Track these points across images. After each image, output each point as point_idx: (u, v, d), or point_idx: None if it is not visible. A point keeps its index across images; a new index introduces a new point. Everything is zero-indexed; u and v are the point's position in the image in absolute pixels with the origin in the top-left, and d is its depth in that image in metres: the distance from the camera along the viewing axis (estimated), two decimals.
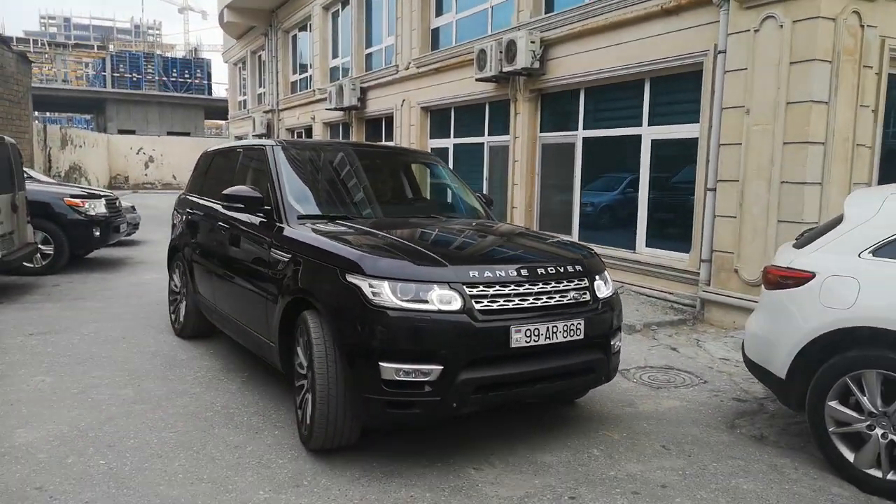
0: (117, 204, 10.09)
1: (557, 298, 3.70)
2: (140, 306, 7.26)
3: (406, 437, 3.95)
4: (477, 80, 10.47)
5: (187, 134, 44.91)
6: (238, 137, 26.43)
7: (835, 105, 6.00)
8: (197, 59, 52.60)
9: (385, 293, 3.38)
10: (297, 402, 3.89)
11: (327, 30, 18.04)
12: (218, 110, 51.20)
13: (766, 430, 4.27)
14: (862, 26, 6.03)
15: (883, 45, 6.27)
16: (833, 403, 3.59)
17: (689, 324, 6.99)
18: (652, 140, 8.08)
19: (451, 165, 12.33)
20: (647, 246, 8.23)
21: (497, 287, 3.52)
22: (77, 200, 9.13)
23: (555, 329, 3.59)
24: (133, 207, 12.31)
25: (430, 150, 12.95)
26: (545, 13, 9.75)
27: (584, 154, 9.22)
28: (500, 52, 9.82)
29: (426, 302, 3.38)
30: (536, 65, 9.39)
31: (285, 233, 4.23)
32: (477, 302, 3.45)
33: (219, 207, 5.19)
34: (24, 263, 8.05)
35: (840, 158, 6.13)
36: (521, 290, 3.59)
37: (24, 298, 7.54)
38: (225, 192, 4.56)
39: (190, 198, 6.25)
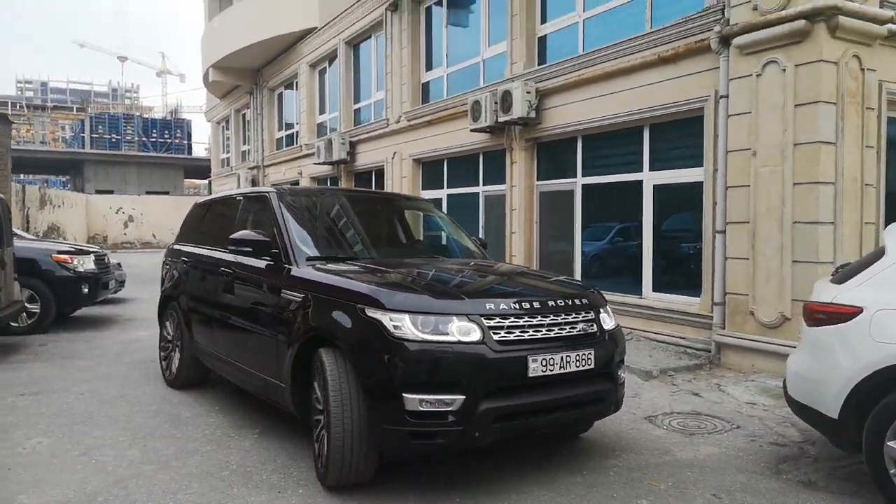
0: (106, 260, 9.81)
1: (568, 330, 3.85)
2: (134, 364, 6.92)
3: (427, 490, 3.70)
4: (471, 130, 10.51)
5: (166, 193, 44.63)
6: None
7: (842, 146, 6.06)
8: (177, 120, 52.93)
9: (406, 326, 3.48)
10: (315, 437, 3.85)
11: (314, 86, 18.21)
12: (197, 169, 51.23)
13: (812, 476, 4.09)
14: (862, 69, 6.16)
15: (881, 88, 6.39)
16: (893, 443, 3.43)
17: (705, 368, 6.84)
18: (654, 185, 8.09)
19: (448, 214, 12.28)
20: (654, 290, 8.14)
21: (512, 319, 3.65)
22: (65, 256, 8.84)
23: (568, 359, 3.72)
24: (119, 264, 11.98)
25: None
26: (538, 65, 9.90)
27: (584, 201, 9.22)
28: (496, 102, 9.90)
29: (446, 334, 3.49)
30: (532, 114, 9.47)
31: (295, 273, 4.28)
32: (494, 333, 3.57)
33: (219, 255, 5.27)
34: (10, 323, 7.68)
35: (850, 198, 6.16)
36: (535, 321, 3.73)
37: (11, 358, 7.16)
38: (232, 236, 4.62)
39: (183, 248, 6.23)
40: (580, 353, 3.78)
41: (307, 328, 3.96)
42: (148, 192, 42.40)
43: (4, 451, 4.28)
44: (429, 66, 13.07)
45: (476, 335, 3.52)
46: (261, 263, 4.65)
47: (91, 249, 9.58)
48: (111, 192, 41.60)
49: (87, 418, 5.02)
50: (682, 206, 7.91)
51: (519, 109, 9.40)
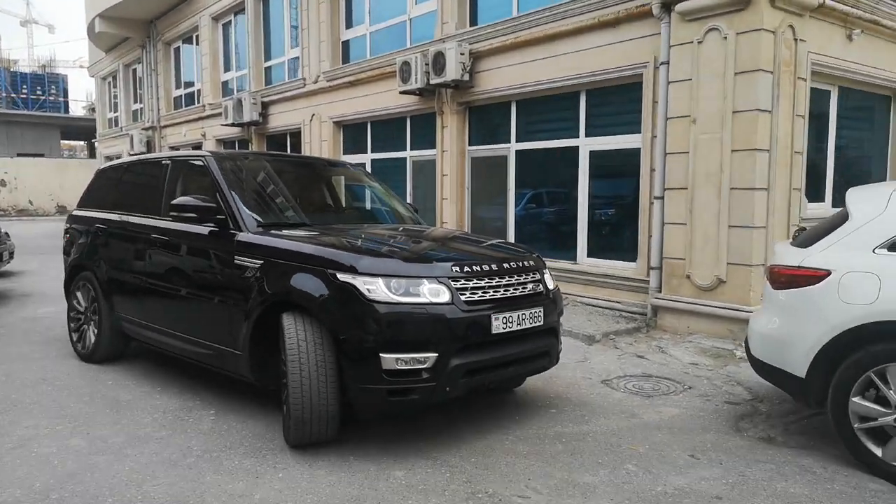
0: (1, 231, 8.81)
1: (521, 290, 4.14)
2: (48, 343, 6.29)
3: (423, 464, 3.58)
4: (400, 92, 10.20)
5: (41, 155, 40.91)
6: (108, 157, 24.38)
7: (777, 114, 6.32)
8: (51, 75, 48.30)
9: (380, 289, 3.65)
10: (283, 399, 3.85)
11: (217, 41, 17.07)
12: (75, 129, 47.27)
13: (770, 432, 4.28)
14: (795, 40, 6.42)
15: (807, 59, 6.70)
16: (857, 399, 3.63)
17: (643, 331, 7.06)
18: (590, 151, 8.18)
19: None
20: (588, 256, 8.29)
21: (475, 280, 3.89)
22: None
23: (523, 317, 4.03)
24: (7, 234, 10.84)
25: None
26: (470, 26, 9.69)
27: (518, 166, 9.20)
28: (426, 63, 9.63)
29: (417, 296, 3.68)
30: (466, 77, 9.29)
31: (249, 239, 4.28)
32: (461, 294, 3.79)
33: (148, 221, 5.16)
34: None
35: (782, 164, 6.46)
36: (494, 282, 3.99)
37: None
38: (174, 202, 4.56)
39: (94, 214, 5.97)
40: (532, 312, 4.10)
41: (271, 294, 4.00)
42: (20, 155, 38.67)
43: None
44: (349, 24, 12.53)
45: (445, 296, 3.73)
46: (202, 230, 4.56)
47: None
48: None
49: (11, 406, 4.49)
50: (618, 172, 8.05)
51: (452, 72, 9.19)
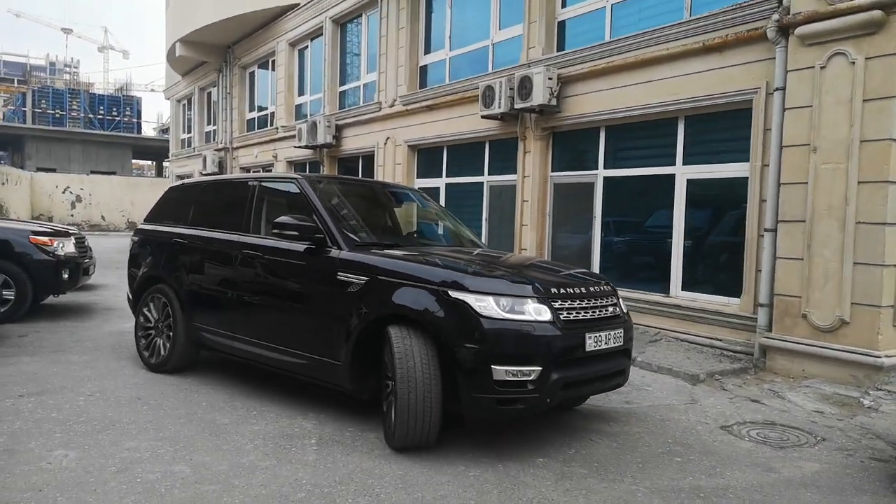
0: (86, 243, 8.93)
1: (605, 312, 4.44)
2: (136, 360, 6.19)
3: None
4: (482, 116, 10.01)
5: (113, 173, 42.52)
6: (180, 177, 25.04)
7: None
8: (126, 97, 50.49)
9: (491, 306, 3.95)
10: (384, 406, 4.24)
11: (293, 66, 17.35)
12: (147, 149, 49.11)
13: None
14: None
15: None
16: None
17: (750, 373, 6.56)
18: (688, 180, 7.78)
19: (443, 205, 11.81)
20: (683, 289, 7.84)
21: (570, 301, 4.21)
22: (44, 238, 7.96)
23: (609, 336, 4.34)
24: (90, 248, 11.03)
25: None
26: (557, 50, 9.47)
27: (606, 194, 8.86)
28: (511, 88, 9.44)
29: (523, 313, 3.98)
30: (553, 102, 9.04)
31: (351, 257, 4.54)
32: (560, 314, 4.10)
33: (237, 237, 5.38)
34: None
35: None
36: (586, 304, 4.31)
37: None
38: (278, 220, 4.79)
39: (167, 228, 6.18)
40: (615, 333, 4.41)
41: (380, 308, 4.26)
42: (93, 172, 40.28)
43: (28, 468, 3.60)
44: (428, 49, 12.49)
45: (547, 315, 4.02)
46: (298, 247, 4.80)
47: (71, 231, 8.69)
48: (53, 170, 39.37)
49: (109, 425, 4.35)
50: (719, 202, 7.63)
51: (539, 96, 8.95)
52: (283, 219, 4.76)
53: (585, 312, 4.26)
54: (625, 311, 4.71)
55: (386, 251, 4.66)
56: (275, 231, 4.82)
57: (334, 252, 4.62)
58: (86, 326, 7.81)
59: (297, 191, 5.18)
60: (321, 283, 4.64)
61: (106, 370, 5.80)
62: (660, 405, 5.50)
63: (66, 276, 8.05)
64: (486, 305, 3.93)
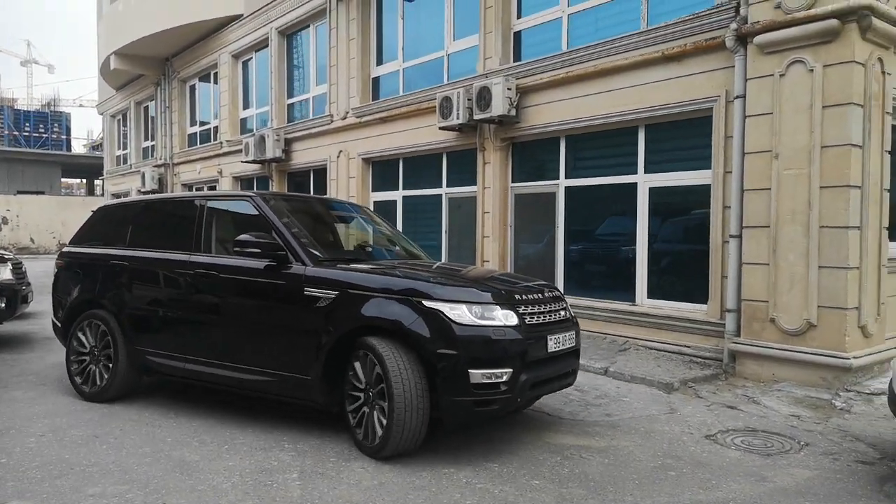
0: (23, 269, 8.34)
1: (559, 315, 4.71)
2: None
3: None
4: (440, 128, 9.89)
5: (41, 192, 40.53)
6: (116, 195, 24.02)
7: (868, 149, 6.01)
8: (54, 113, 48.37)
9: (464, 314, 4.13)
10: (352, 421, 4.36)
11: (237, 79, 16.86)
12: (77, 167, 47.14)
13: None
14: (884, 73, 6.14)
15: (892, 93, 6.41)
16: None
17: (722, 378, 6.60)
18: (650, 188, 7.83)
19: (400, 218, 11.63)
20: (649, 297, 7.87)
21: (532, 307, 4.46)
22: None
23: (564, 338, 4.65)
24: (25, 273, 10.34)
25: (372, 203, 12.16)
26: (514, 61, 9.44)
27: (568, 203, 8.85)
28: (469, 99, 9.35)
29: (493, 319, 4.19)
30: (513, 112, 8.99)
31: (317, 273, 4.59)
32: (525, 318, 4.33)
33: (187, 257, 5.25)
34: None
35: (874, 202, 6.11)
36: (545, 308, 4.58)
37: None
38: (239, 238, 4.75)
39: (100, 251, 5.93)
40: (569, 335, 4.71)
41: (353, 321, 4.34)
42: (20, 192, 38.26)
43: None
44: (380, 60, 12.31)
45: (514, 320, 4.24)
46: (257, 264, 4.80)
47: (6, 256, 8.09)
48: None
49: (67, 469, 3.98)
50: (682, 209, 7.70)
51: (499, 107, 8.89)
52: (243, 237, 4.73)
53: (545, 316, 4.52)
54: (572, 314, 5.01)
55: (352, 265, 4.82)
56: (236, 249, 4.77)
57: (297, 268, 4.66)
58: (26, 359, 7.25)
59: (253, 209, 5.17)
60: (286, 299, 4.68)
61: (55, 407, 5.36)
62: (640, 416, 5.44)
63: (4, 305, 7.49)
64: (459, 313, 4.11)
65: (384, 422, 4.11)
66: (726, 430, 5.09)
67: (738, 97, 6.65)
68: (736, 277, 6.71)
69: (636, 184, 7.96)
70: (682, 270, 7.69)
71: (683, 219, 7.74)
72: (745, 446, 4.70)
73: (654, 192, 7.82)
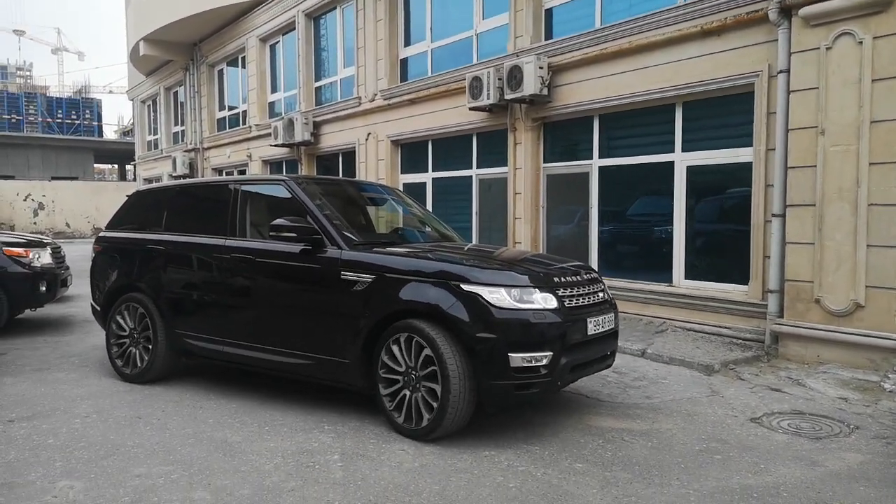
0: (62, 253, 8.47)
1: (598, 297, 4.70)
2: None
3: None
4: (470, 108, 9.78)
5: (75, 178, 41.29)
6: (148, 180, 24.35)
7: None
8: (86, 100, 49.01)
9: (503, 297, 4.11)
10: (388, 405, 4.33)
11: (265, 62, 16.88)
12: (109, 153, 47.79)
13: None
14: None
15: None
16: None
17: (764, 360, 6.46)
18: (688, 167, 7.65)
19: (430, 200, 11.57)
20: (686, 278, 7.73)
21: (571, 289, 4.42)
22: (19, 250, 7.52)
23: (605, 320, 4.61)
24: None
25: (402, 186, 12.10)
26: (545, 39, 9.27)
27: (602, 184, 8.69)
28: (500, 79, 9.22)
29: (532, 302, 4.15)
30: (545, 91, 8.84)
31: (354, 257, 4.58)
32: (565, 301, 4.30)
33: (223, 241, 5.26)
34: None
35: None
36: (584, 290, 4.54)
37: None
38: (274, 223, 4.74)
39: (136, 235, 5.96)
40: (608, 317, 4.68)
41: (393, 304, 4.32)
42: (54, 178, 39.05)
43: (32, 503, 3.28)
44: (408, 41, 12.19)
45: (553, 303, 4.21)
46: (293, 248, 4.78)
47: (46, 241, 8.23)
48: (12, 177, 38.03)
49: (112, 450, 4.03)
50: (722, 188, 7.52)
51: (530, 86, 8.74)
52: (278, 221, 4.72)
53: (584, 299, 4.49)
54: (611, 296, 4.99)
55: (388, 249, 4.76)
56: (271, 233, 4.78)
57: (333, 252, 4.65)
58: (67, 341, 7.38)
59: (286, 192, 5.16)
60: (322, 283, 4.66)
61: (98, 388, 5.44)
62: (681, 399, 5.35)
63: (44, 288, 7.62)
64: (498, 297, 4.08)
65: (432, 405, 4.11)
66: (772, 412, 4.98)
67: (781, 72, 6.43)
68: (779, 257, 6.53)
69: (673, 163, 7.78)
70: (722, 251, 7.52)
71: (722, 198, 7.56)
72: (792, 430, 4.59)
73: (692, 171, 7.63)
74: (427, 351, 4.13)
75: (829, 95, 6.03)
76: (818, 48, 6.09)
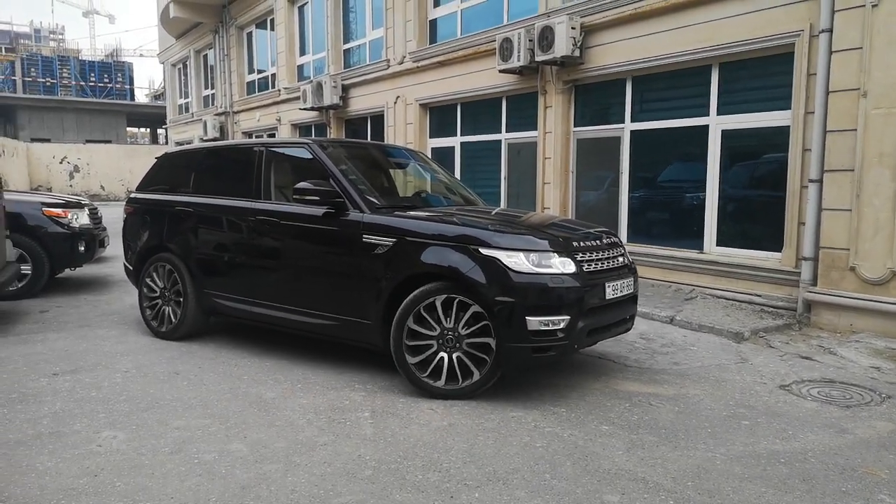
0: (99, 214, 8.67)
1: (617, 262, 4.70)
2: None
3: (640, 495, 3.08)
4: (500, 71, 9.66)
5: (108, 141, 41.85)
6: (179, 143, 24.60)
7: None
8: (118, 63, 49.37)
9: (521, 261, 4.15)
10: (422, 374, 4.36)
11: (294, 24, 16.80)
12: (141, 116, 48.25)
13: None
14: None
15: None
16: None
17: (795, 328, 6.40)
18: (722, 130, 7.49)
19: (458, 165, 11.53)
20: (718, 245, 7.63)
21: (590, 253, 4.43)
22: (58, 210, 7.71)
23: (623, 285, 4.62)
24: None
25: (430, 150, 12.07)
26: None
27: (633, 148, 8.57)
28: (531, 40, 9.07)
29: (550, 267, 4.19)
30: (577, 53, 8.68)
31: (376, 220, 4.63)
32: (583, 265, 4.33)
33: (248, 204, 5.35)
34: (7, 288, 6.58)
35: None
36: (603, 255, 4.55)
37: (17, 329, 6.14)
38: (298, 186, 4.81)
39: (166, 197, 6.07)
40: (627, 281, 4.69)
41: (413, 267, 4.38)
42: (88, 141, 39.62)
43: (78, 451, 3.43)
44: (437, 2, 12.01)
45: (572, 267, 4.24)
46: (316, 211, 4.85)
47: (84, 202, 8.42)
48: (48, 140, 38.71)
49: (152, 403, 4.18)
50: (757, 152, 7.36)
51: (562, 48, 8.59)
52: (302, 184, 4.77)
53: (603, 263, 4.50)
54: (630, 260, 5.01)
55: (409, 213, 4.75)
56: (295, 196, 4.85)
57: (355, 215, 4.71)
58: (106, 300, 7.61)
59: (309, 156, 5.19)
60: (345, 246, 4.72)
61: (137, 345, 5.62)
62: (710, 365, 5.34)
63: (83, 248, 7.82)
64: (516, 261, 4.13)
65: (483, 360, 4.24)
66: (801, 380, 4.95)
67: (823, 31, 6.23)
68: (814, 224, 6.42)
69: (708, 126, 7.63)
70: (755, 217, 7.40)
71: (757, 163, 7.40)
72: (822, 397, 4.57)
73: (727, 135, 7.48)
74: (475, 307, 4.18)
75: (873, 56, 5.83)
76: (864, 6, 5.88)
